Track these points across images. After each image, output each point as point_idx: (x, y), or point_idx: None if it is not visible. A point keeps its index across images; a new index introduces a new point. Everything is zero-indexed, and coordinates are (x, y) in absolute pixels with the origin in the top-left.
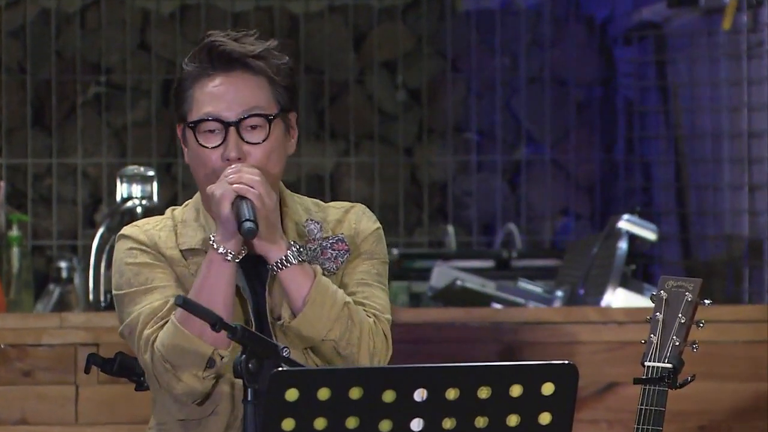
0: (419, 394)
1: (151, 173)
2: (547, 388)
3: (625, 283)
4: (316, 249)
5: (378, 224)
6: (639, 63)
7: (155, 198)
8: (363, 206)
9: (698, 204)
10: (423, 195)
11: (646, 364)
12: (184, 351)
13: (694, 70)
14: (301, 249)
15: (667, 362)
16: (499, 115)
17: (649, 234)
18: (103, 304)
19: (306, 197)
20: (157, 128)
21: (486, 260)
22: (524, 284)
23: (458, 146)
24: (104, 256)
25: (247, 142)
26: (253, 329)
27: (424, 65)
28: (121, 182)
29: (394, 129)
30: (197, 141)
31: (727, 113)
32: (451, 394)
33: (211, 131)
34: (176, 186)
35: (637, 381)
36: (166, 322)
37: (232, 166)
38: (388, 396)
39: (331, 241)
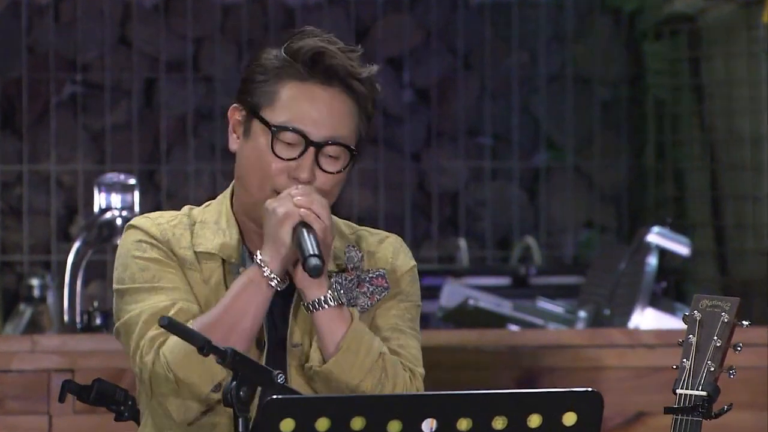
0: (428, 425)
1: (132, 181)
2: (569, 418)
3: (655, 302)
4: (353, 280)
5: (414, 261)
6: (671, 59)
7: (137, 209)
8: (399, 239)
9: (735, 215)
10: (432, 205)
11: (678, 391)
12: (193, 367)
13: (732, 67)
14: (340, 285)
15: (702, 390)
16: (516, 117)
17: (681, 248)
18: (79, 326)
19: (335, 218)
20: (139, 132)
21: (501, 277)
22: (543, 304)
23: (471, 151)
24: (80, 273)
25: (322, 169)
26: (266, 353)
27: (434, 62)
28: (99, 191)
29: (399, 132)
30: (271, 147)
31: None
32: (463, 424)
33: (289, 143)
34: (160, 195)
35: (668, 410)
36: None
37: (299, 187)
38: (394, 427)
39: (370, 275)
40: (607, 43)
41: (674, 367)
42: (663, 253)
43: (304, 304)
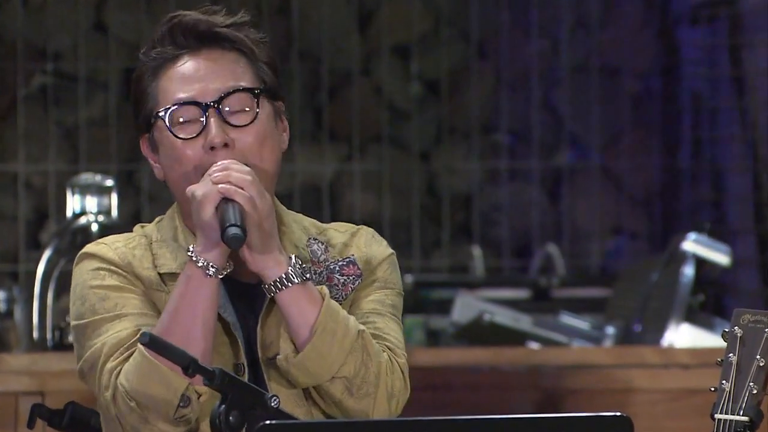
0: None
1: (109, 183)
2: None
3: (692, 317)
4: (321, 273)
5: (391, 250)
6: (708, 48)
7: (114, 213)
8: (371, 229)
9: None
10: (442, 209)
11: (717, 416)
12: (152, 386)
13: None
14: (307, 271)
15: (743, 414)
16: (536, 112)
17: (720, 257)
18: (50, 344)
19: (302, 215)
20: (117, 128)
21: (520, 289)
22: (567, 319)
23: (485, 150)
24: (51, 284)
25: (233, 126)
26: (246, 376)
27: (444, 51)
28: (73, 194)
29: (407, 129)
30: (171, 133)
31: None
32: None
33: (187, 121)
34: (140, 198)
35: None
36: (134, 352)
37: (218, 163)
38: None
39: (340, 263)
40: (637, 30)
41: (712, 389)
42: (700, 262)
43: (264, 287)
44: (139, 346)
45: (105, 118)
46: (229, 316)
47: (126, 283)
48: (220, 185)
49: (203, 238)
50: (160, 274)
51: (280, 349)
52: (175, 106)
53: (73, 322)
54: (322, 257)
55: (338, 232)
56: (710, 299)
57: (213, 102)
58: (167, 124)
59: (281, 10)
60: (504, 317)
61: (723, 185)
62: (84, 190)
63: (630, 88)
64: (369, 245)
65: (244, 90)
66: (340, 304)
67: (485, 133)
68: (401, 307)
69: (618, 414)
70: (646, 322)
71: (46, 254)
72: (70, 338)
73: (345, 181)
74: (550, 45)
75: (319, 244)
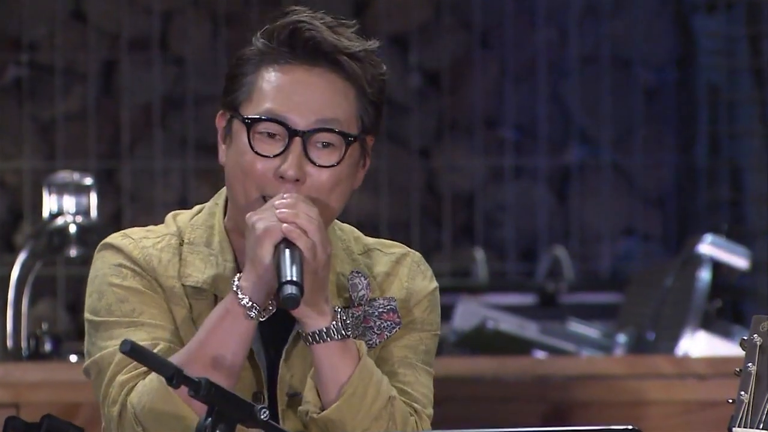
0: None
1: (88, 181)
2: None
3: (708, 324)
4: (359, 316)
5: (435, 283)
6: (726, 38)
7: (94, 213)
8: (419, 256)
9: None
10: (443, 209)
11: (735, 430)
12: (164, 416)
13: None
14: (347, 318)
15: (762, 428)
16: (543, 106)
17: (738, 260)
18: (25, 353)
19: (349, 227)
20: (96, 123)
21: (526, 294)
22: (575, 326)
23: (489, 146)
24: (27, 290)
25: (313, 162)
26: (266, 405)
27: (445, 40)
28: (49, 193)
29: (405, 124)
30: (249, 143)
31: None
32: None
33: (271, 135)
34: (120, 198)
35: None
36: (148, 372)
37: (285, 195)
38: None
39: (379, 309)
40: (651, 19)
41: (730, 401)
42: (717, 266)
43: (302, 334)
44: None
45: (83, 112)
46: (253, 343)
47: (147, 287)
48: (284, 225)
49: (253, 274)
50: (184, 286)
51: (303, 397)
52: (263, 119)
53: (86, 315)
54: (363, 293)
55: (383, 254)
56: (728, 305)
57: (303, 132)
58: (248, 133)
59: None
60: (508, 324)
61: (741, 184)
62: (61, 189)
63: (643, 80)
64: (412, 278)
65: (338, 132)
66: (372, 348)
67: (489, 128)
68: (435, 350)
69: (630, 427)
70: (660, 330)
71: (21, 257)
72: (47, 347)
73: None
74: (558, 34)
75: (361, 279)
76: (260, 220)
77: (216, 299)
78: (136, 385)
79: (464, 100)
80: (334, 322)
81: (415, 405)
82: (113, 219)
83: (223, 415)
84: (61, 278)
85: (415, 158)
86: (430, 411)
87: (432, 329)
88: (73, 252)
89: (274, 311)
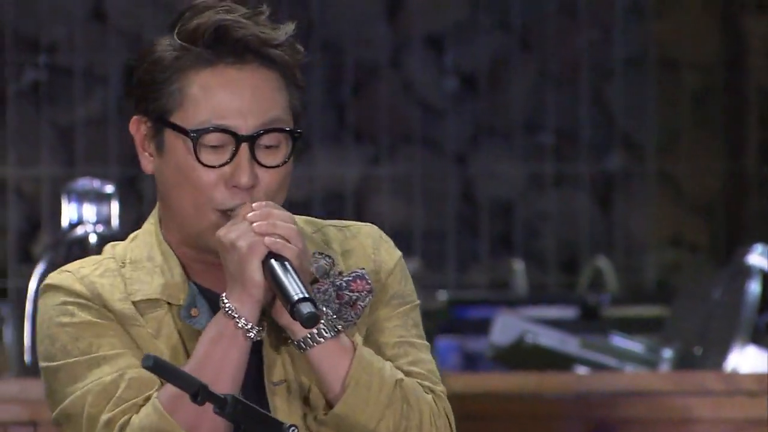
0: None
1: (109, 189)
2: None
3: (758, 338)
4: (328, 291)
5: (399, 252)
6: None
7: (115, 222)
8: (375, 227)
9: None
10: (480, 218)
11: None
12: None
13: None
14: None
15: None
16: (585, 110)
17: None
18: None
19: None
20: (117, 127)
21: (567, 307)
22: (619, 341)
23: (529, 152)
24: None
25: (262, 165)
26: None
27: (483, 41)
28: (69, 201)
29: (441, 128)
30: (196, 156)
31: None
32: None
33: (215, 147)
34: (143, 206)
35: None
36: (135, 404)
37: (256, 206)
38: None
39: (347, 279)
40: (698, 18)
41: None
42: (767, 277)
43: (293, 344)
44: (154, 401)
45: (104, 116)
46: None
47: (98, 317)
48: (266, 238)
49: (243, 295)
50: (134, 303)
51: (311, 404)
52: (209, 130)
53: (42, 364)
54: (330, 271)
55: (335, 229)
56: None
57: (249, 136)
58: (195, 148)
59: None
60: (549, 339)
61: None
62: (81, 197)
63: (690, 83)
64: (377, 248)
65: (283, 131)
66: (353, 326)
67: (528, 132)
68: (421, 320)
69: None
70: (708, 345)
71: (39, 269)
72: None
73: (371, 187)
74: (602, 35)
75: (326, 258)
76: (239, 237)
77: (170, 306)
78: (128, 421)
79: (502, 104)
80: (322, 322)
81: (426, 383)
82: (135, 228)
83: None
84: None
85: (450, 164)
86: (442, 387)
87: (412, 300)
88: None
89: (265, 328)
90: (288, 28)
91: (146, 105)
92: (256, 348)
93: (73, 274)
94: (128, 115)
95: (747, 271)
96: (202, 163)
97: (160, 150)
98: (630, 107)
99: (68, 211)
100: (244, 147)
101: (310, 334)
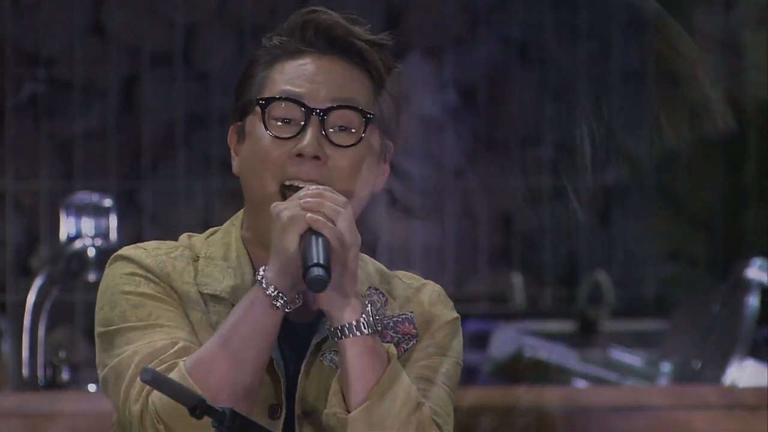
0: None
1: (107, 203)
2: None
3: (757, 352)
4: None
5: (457, 314)
6: None
7: (113, 236)
8: (439, 287)
9: None
10: (479, 231)
11: None
12: (185, 414)
13: None
14: (379, 318)
15: None
16: (584, 124)
17: None
18: (41, 382)
19: (368, 257)
20: (116, 141)
21: (565, 321)
22: (617, 354)
23: (527, 165)
24: (43, 316)
25: (331, 142)
26: (282, 421)
27: (481, 54)
28: (67, 215)
29: (438, 142)
30: (265, 125)
31: None
32: None
33: (286, 121)
34: (141, 220)
35: None
36: (171, 366)
37: (312, 187)
38: None
39: (395, 320)
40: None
41: None
42: (766, 291)
43: (330, 329)
44: (180, 363)
45: (103, 130)
46: (273, 351)
47: (162, 293)
48: (309, 214)
49: (278, 264)
50: (201, 293)
51: (328, 402)
52: (278, 99)
53: (98, 329)
54: (381, 308)
55: (403, 282)
56: None
57: (319, 109)
58: (264, 116)
59: (299, 8)
60: (547, 352)
61: None
62: (79, 210)
63: (689, 96)
64: (433, 304)
65: (356, 109)
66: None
67: (527, 146)
68: (457, 378)
69: None
70: (707, 359)
71: (37, 282)
72: (64, 376)
73: (369, 200)
74: (600, 48)
75: (380, 296)
76: (285, 209)
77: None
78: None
79: (501, 118)
80: (363, 315)
81: (436, 418)
82: (134, 242)
83: None
84: (79, 304)
85: (448, 178)
86: (451, 428)
87: (454, 357)
88: (91, 277)
89: (300, 303)
90: (383, 36)
91: (236, 104)
92: (292, 376)
93: (147, 251)
94: (128, 129)
95: (746, 285)
96: (270, 134)
97: (242, 138)
98: (629, 120)
99: (66, 225)
100: (314, 119)
101: (348, 324)
